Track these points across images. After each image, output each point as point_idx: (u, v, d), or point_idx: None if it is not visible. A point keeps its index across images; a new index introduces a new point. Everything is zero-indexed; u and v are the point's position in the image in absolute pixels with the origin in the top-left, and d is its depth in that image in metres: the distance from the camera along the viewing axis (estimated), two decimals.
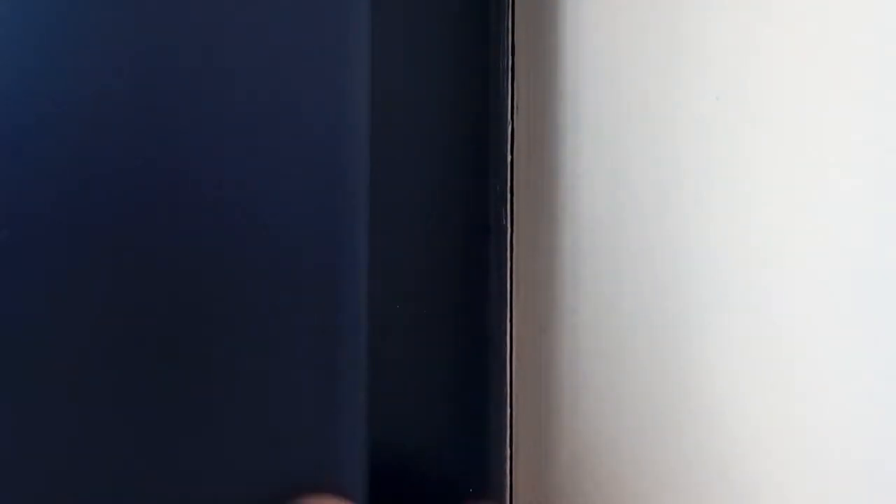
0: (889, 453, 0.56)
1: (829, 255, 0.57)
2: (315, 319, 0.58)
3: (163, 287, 0.58)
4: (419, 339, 0.58)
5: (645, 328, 0.60)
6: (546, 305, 0.62)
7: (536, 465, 0.62)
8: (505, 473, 0.60)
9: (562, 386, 0.62)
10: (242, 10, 0.58)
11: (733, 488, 0.59)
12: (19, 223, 0.58)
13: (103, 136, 0.58)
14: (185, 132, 0.58)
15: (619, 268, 0.61)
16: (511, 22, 0.60)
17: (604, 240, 0.61)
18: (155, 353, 0.58)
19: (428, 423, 0.59)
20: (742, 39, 0.58)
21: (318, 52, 0.58)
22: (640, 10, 0.60)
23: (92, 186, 0.59)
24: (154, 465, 0.58)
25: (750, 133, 0.58)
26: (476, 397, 0.60)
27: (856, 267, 0.56)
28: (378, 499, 0.57)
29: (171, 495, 0.57)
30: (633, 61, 0.60)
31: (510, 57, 0.60)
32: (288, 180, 0.58)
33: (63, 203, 0.59)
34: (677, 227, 0.59)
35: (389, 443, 0.57)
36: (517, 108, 0.61)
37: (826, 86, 0.56)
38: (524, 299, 0.62)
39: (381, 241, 0.58)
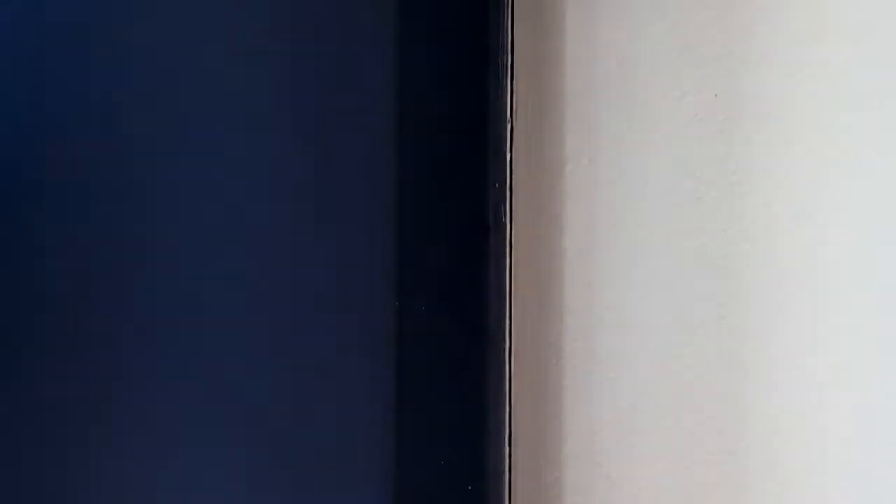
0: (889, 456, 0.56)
1: (830, 256, 0.57)
2: (321, 319, 0.58)
3: (167, 288, 0.58)
4: (417, 336, 0.58)
5: (644, 327, 0.60)
6: (545, 304, 0.62)
7: (536, 465, 0.62)
8: (503, 472, 0.60)
9: (561, 385, 0.62)
10: (265, 17, 0.58)
11: (733, 488, 0.59)
12: (16, 223, 0.59)
13: (115, 138, 0.59)
14: (195, 131, 0.59)
15: (618, 267, 0.61)
16: (511, 22, 0.61)
17: (603, 239, 0.61)
18: (171, 355, 0.58)
19: (427, 421, 0.59)
20: (741, 38, 0.58)
21: (325, 55, 0.58)
22: (639, 10, 0.60)
23: (97, 185, 0.59)
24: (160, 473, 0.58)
25: (750, 130, 0.58)
26: (475, 395, 0.59)
27: (858, 264, 0.56)
28: (380, 494, 0.57)
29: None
30: (632, 61, 0.60)
31: (510, 56, 0.61)
32: (294, 183, 0.58)
33: (63, 201, 0.59)
34: (677, 226, 0.59)
35: (390, 440, 0.57)
36: (517, 107, 0.61)
37: (826, 86, 0.57)
38: (523, 298, 0.62)
39: (380, 239, 0.58)
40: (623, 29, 0.61)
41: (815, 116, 0.57)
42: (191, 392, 0.58)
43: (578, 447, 0.61)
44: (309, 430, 0.57)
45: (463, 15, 0.60)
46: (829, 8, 0.56)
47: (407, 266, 0.58)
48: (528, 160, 0.62)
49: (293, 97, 0.58)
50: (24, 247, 0.58)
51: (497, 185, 0.60)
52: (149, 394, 0.58)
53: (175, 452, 0.58)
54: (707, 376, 0.59)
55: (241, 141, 0.59)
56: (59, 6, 0.59)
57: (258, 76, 0.59)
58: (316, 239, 0.58)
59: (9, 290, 0.58)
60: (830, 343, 0.57)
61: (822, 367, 0.57)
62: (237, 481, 0.58)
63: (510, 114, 0.61)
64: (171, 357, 0.58)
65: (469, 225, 0.60)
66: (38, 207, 0.59)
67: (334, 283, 0.58)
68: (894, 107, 0.55)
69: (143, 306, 0.58)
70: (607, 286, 0.61)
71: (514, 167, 0.61)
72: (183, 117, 0.59)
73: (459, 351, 0.59)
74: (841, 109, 0.56)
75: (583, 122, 0.61)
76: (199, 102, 0.59)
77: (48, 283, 0.58)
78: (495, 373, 0.60)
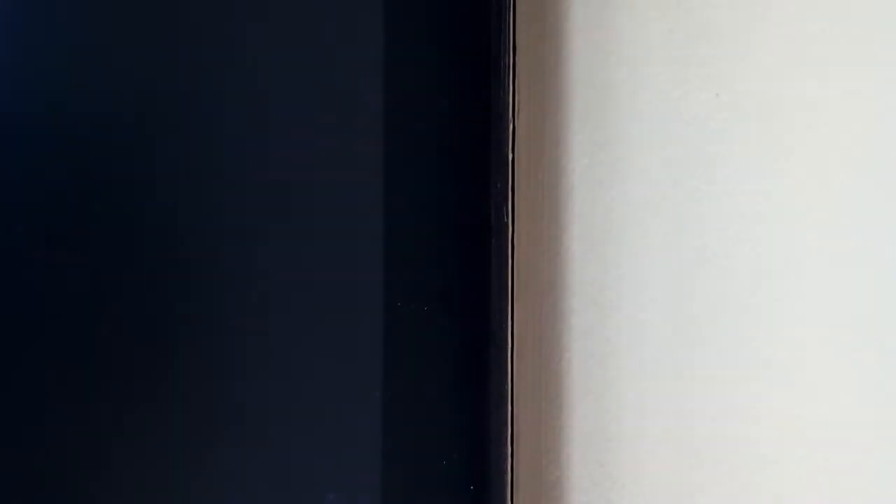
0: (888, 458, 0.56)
1: (831, 255, 0.57)
2: (322, 321, 0.58)
3: (174, 291, 0.58)
4: (419, 337, 0.59)
5: (646, 328, 0.60)
6: (547, 304, 0.62)
7: (538, 465, 0.62)
8: (505, 472, 0.60)
9: (563, 385, 0.62)
10: (263, 17, 0.59)
11: (736, 489, 0.59)
12: (29, 222, 0.59)
13: (118, 134, 0.59)
14: (201, 133, 0.59)
15: (620, 267, 0.61)
16: (512, 22, 0.61)
17: (605, 239, 0.61)
18: (164, 354, 0.58)
19: (428, 421, 0.59)
20: (742, 37, 0.58)
21: (330, 55, 0.59)
22: (640, 10, 0.60)
23: (105, 185, 0.59)
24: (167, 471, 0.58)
25: (750, 130, 0.58)
26: (477, 395, 0.60)
27: (860, 264, 0.56)
28: (382, 493, 0.57)
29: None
30: (632, 61, 0.60)
31: (511, 57, 0.61)
32: (293, 186, 0.58)
33: (71, 201, 0.59)
34: (678, 226, 0.60)
35: (392, 439, 0.57)
36: (518, 107, 0.62)
37: (827, 86, 0.57)
38: (525, 298, 0.62)
39: (382, 240, 0.58)
40: (624, 29, 0.61)
41: (816, 116, 0.57)
42: (187, 392, 0.58)
43: (581, 447, 0.61)
44: (308, 430, 0.58)
45: (464, 16, 0.60)
46: (830, 8, 0.56)
47: (409, 267, 0.59)
48: (529, 161, 0.62)
49: (292, 98, 0.58)
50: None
51: (499, 186, 0.60)
52: (147, 391, 0.58)
53: (171, 451, 0.58)
54: (709, 376, 0.59)
55: (241, 138, 0.59)
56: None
57: (258, 76, 0.59)
58: (316, 241, 0.58)
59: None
60: (834, 343, 0.57)
61: (825, 366, 0.57)
62: (246, 483, 0.58)
63: (512, 115, 0.61)
64: (165, 356, 0.58)
65: (471, 226, 0.60)
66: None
67: (336, 285, 0.58)
68: None
69: (134, 307, 0.59)
70: (609, 286, 0.61)
71: (515, 168, 0.61)
72: (176, 120, 0.59)
73: (462, 351, 0.60)
74: (842, 109, 0.56)
75: (584, 122, 0.61)
76: (194, 106, 0.59)
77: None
78: (497, 373, 0.60)
